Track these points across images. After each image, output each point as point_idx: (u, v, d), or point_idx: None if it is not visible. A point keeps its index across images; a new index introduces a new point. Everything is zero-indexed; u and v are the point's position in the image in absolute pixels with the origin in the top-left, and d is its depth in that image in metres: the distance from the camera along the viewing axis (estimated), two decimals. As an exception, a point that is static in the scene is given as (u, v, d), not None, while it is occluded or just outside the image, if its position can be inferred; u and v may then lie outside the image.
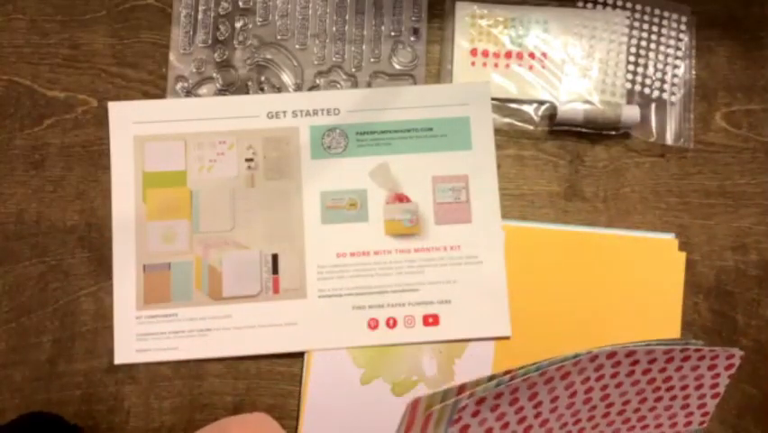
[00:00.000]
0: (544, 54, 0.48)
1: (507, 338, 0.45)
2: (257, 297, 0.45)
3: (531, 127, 0.48)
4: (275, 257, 0.45)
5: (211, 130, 0.46)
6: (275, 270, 0.45)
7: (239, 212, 0.46)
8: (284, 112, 0.46)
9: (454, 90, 0.47)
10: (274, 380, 0.45)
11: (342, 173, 0.46)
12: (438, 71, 0.48)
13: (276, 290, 0.45)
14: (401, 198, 0.46)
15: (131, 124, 0.46)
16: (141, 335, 0.44)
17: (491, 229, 0.46)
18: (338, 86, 0.48)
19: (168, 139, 0.46)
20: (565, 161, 0.48)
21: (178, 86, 0.47)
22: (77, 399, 0.45)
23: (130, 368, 0.45)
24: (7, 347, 0.45)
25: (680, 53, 0.49)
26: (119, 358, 0.44)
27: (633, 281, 0.45)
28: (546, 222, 0.47)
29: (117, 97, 0.47)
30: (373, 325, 0.45)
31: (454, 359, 0.45)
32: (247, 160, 0.46)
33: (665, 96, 0.48)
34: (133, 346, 0.44)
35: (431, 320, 0.45)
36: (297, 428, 0.44)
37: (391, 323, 0.45)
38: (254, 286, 0.45)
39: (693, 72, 0.49)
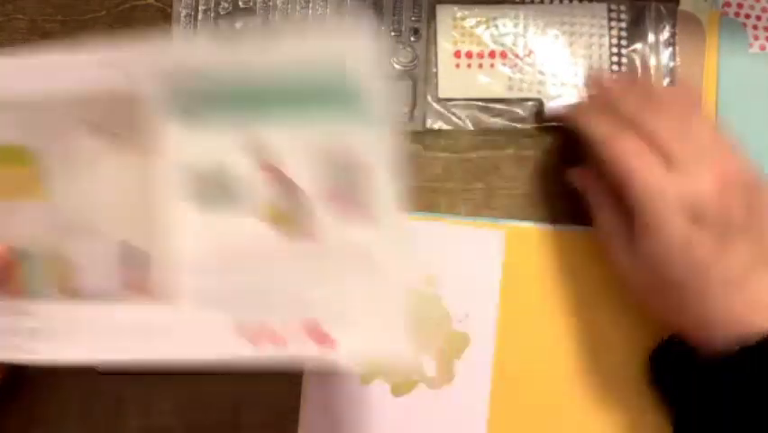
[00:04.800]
0: (527, 52, 0.48)
1: (404, 357, 0.36)
2: (114, 295, 0.37)
3: (519, 125, 0.48)
4: (134, 248, 0.37)
5: (53, 98, 0.37)
6: (134, 264, 0.37)
7: (95, 194, 0.37)
8: (139, 73, 0.36)
9: (328, 40, 0.34)
10: (274, 380, 0.45)
11: (208, 146, 0.36)
12: (425, 75, 0.48)
13: (136, 288, 0.37)
14: (280, 179, 0.35)
15: None
16: None
17: (392, 217, 0.35)
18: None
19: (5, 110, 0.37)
20: (565, 161, 0.48)
21: (178, 86, 0.47)
22: (77, 399, 0.45)
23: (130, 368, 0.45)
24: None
25: (663, 41, 0.49)
26: None
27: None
28: (547, 222, 0.47)
29: (117, 97, 0.47)
30: (252, 339, 0.36)
31: (454, 359, 0.45)
32: (99, 132, 0.37)
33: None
34: None
35: (318, 334, 0.35)
36: (297, 429, 0.44)
37: (274, 338, 0.35)
38: (112, 282, 0.37)
39: (678, 59, 0.48)
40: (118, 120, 0.37)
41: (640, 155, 0.38)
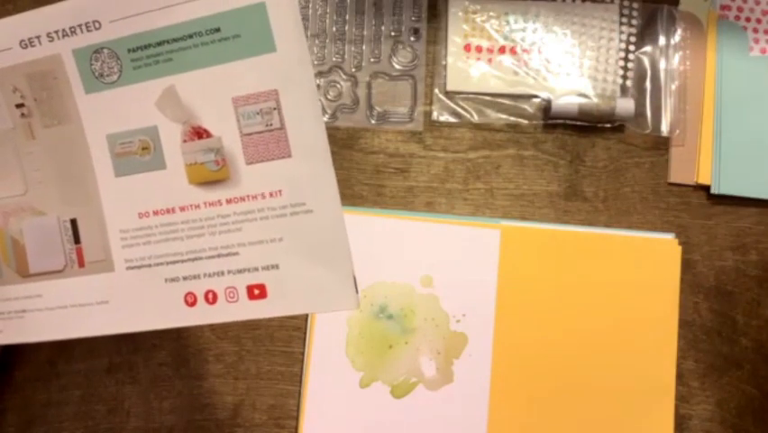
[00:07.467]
0: (537, 49, 0.48)
1: (352, 309, 0.36)
2: (63, 272, 0.38)
3: (525, 121, 0.48)
4: (74, 223, 0.37)
5: None
6: (76, 238, 0.37)
7: (28, 172, 0.38)
8: (38, 37, 0.36)
9: None
10: (274, 380, 0.45)
11: (124, 108, 0.36)
12: (433, 70, 0.48)
13: (81, 263, 0.37)
14: (200, 134, 0.35)
15: None
16: None
17: (318, 165, 0.34)
18: (338, 86, 0.48)
19: None
20: (565, 161, 0.48)
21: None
22: (77, 399, 0.45)
23: (130, 368, 0.45)
24: (7, 347, 0.45)
25: (673, 44, 0.49)
26: None
27: (632, 281, 0.46)
28: (546, 222, 0.47)
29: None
30: (191, 301, 0.36)
31: (453, 359, 0.45)
32: (18, 106, 0.37)
33: (659, 87, 0.48)
34: None
35: (257, 292, 0.36)
36: (297, 429, 0.44)
37: (211, 297, 0.36)
38: (58, 259, 0.38)
39: (687, 63, 0.48)
40: (38, 90, 0.37)
41: None
